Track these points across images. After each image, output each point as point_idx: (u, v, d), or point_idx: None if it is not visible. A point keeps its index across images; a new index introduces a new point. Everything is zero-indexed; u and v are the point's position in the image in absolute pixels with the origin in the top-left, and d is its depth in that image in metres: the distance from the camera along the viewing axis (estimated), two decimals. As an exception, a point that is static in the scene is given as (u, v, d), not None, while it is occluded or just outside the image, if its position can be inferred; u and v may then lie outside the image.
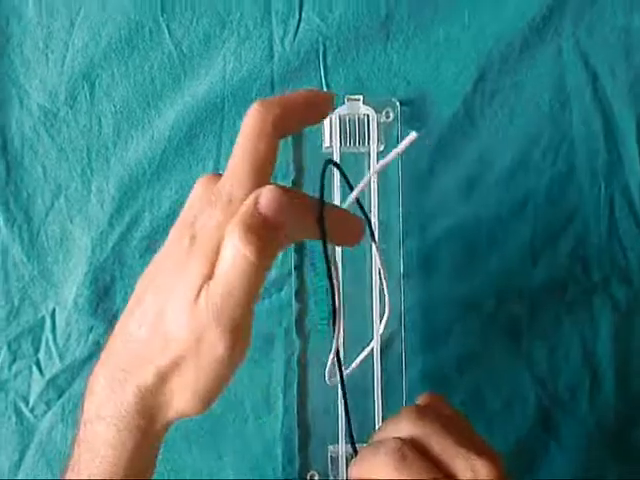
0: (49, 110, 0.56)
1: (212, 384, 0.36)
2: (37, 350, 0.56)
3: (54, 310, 0.56)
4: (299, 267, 0.55)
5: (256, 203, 0.34)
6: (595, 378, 0.55)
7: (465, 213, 0.56)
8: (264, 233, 0.34)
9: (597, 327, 0.56)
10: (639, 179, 0.55)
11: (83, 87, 0.56)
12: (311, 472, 0.55)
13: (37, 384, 0.55)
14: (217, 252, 0.35)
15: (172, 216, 0.56)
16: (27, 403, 0.55)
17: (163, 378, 0.36)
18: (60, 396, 0.55)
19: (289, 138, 0.56)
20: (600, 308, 0.56)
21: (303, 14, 0.56)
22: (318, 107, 0.39)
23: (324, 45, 0.56)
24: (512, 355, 0.56)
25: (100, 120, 0.56)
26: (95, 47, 0.56)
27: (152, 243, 0.56)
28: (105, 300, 0.56)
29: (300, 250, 0.55)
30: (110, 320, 0.55)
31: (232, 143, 0.55)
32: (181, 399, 0.37)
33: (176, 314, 0.35)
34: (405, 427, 0.41)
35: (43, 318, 0.56)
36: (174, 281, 0.36)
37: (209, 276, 0.35)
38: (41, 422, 0.55)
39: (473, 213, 0.56)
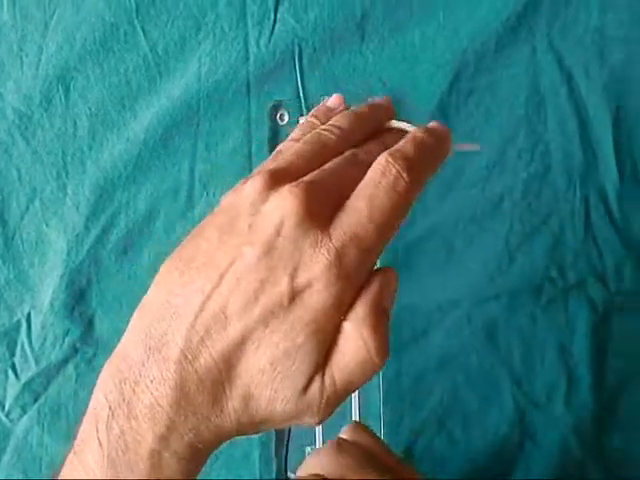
0: (24, 113, 0.56)
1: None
2: (13, 354, 0.55)
3: (30, 313, 0.55)
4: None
5: (382, 291, 0.32)
6: (571, 379, 0.55)
7: (441, 213, 0.56)
8: (386, 331, 0.32)
9: (573, 327, 0.56)
10: (614, 179, 0.55)
11: (58, 90, 0.56)
12: (288, 474, 0.55)
13: (13, 388, 0.55)
14: (332, 335, 0.31)
15: (148, 218, 0.56)
16: (3, 407, 0.55)
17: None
18: (36, 400, 0.55)
19: (265, 140, 0.56)
20: (576, 308, 0.56)
21: (278, 15, 0.56)
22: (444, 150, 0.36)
23: (299, 46, 0.56)
24: (489, 355, 0.56)
25: (75, 123, 0.56)
26: (70, 50, 0.56)
27: (128, 245, 0.56)
28: (81, 303, 0.55)
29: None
30: (86, 323, 0.55)
31: (207, 145, 0.56)
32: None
33: (280, 402, 0.31)
34: (325, 462, 0.41)
35: (19, 321, 0.56)
36: (277, 355, 0.31)
37: (323, 365, 0.31)
38: (17, 426, 0.55)
39: (449, 213, 0.56)
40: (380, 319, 0.31)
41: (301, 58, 0.56)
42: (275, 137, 0.56)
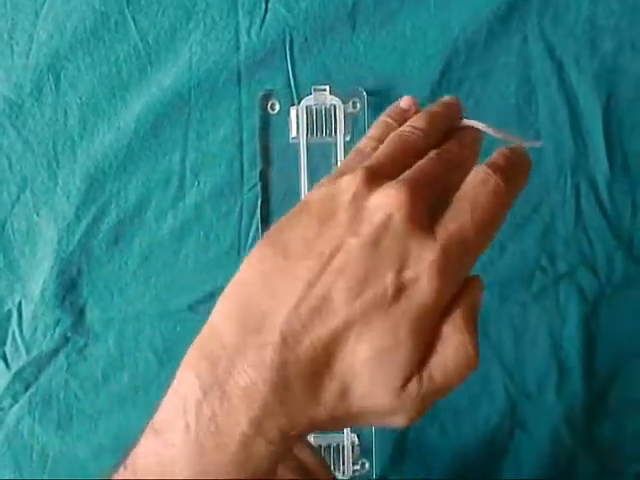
0: (14, 102, 0.56)
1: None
2: (3, 343, 0.55)
3: (20, 303, 0.55)
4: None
5: (478, 299, 0.33)
6: (562, 368, 0.55)
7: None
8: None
9: (564, 316, 0.55)
10: (605, 169, 0.55)
11: (48, 79, 0.56)
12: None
13: (3, 377, 0.55)
14: (431, 336, 0.32)
15: (138, 207, 0.55)
16: (-7, 396, 0.55)
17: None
18: (27, 389, 0.55)
19: (256, 129, 0.56)
20: (567, 298, 0.56)
21: (269, 4, 0.56)
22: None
23: (290, 35, 0.56)
24: (480, 344, 0.55)
25: (66, 112, 0.56)
26: (60, 39, 0.56)
27: (119, 235, 0.56)
28: (72, 293, 0.55)
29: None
30: (77, 313, 0.55)
31: (198, 134, 0.56)
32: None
33: (376, 397, 0.31)
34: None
35: (9, 311, 0.55)
36: (378, 349, 0.31)
37: (422, 364, 0.32)
38: (8, 415, 0.55)
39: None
40: (477, 325, 0.32)
41: (292, 47, 0.56)
42: (266, 126, 0.56)
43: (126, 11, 0.56)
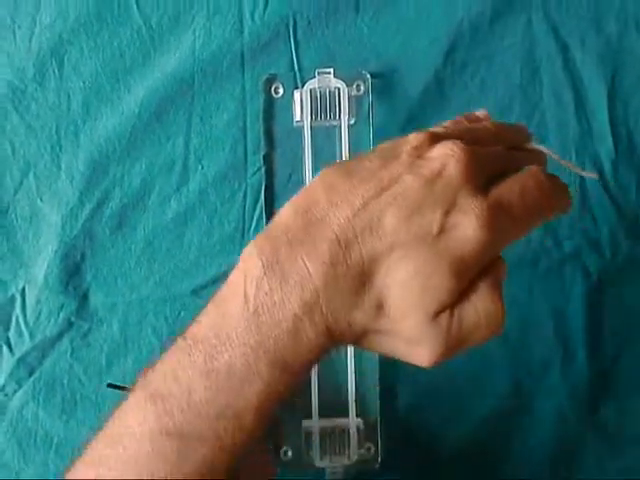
0: (17, 87, 0.56)
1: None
2: (7, 328, 0.55)
3: (24, 288, 0.55)
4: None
5: (503, 273, 0.37)
6: (567, 349, 0.55)
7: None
8: None
9: (569, 298, 0.55)
10: (609, 149, 0.55)
11: (51, 63, 0.56)
12: (284, 448, 0.54)
13: (7, 363, 0.55)
14: (466, 284, 0.35)
15: (142, 192, 0.55)
16: (-3, 382, 0.55)
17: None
18: (31, 374, 0.55)
19: (260, 113, 0.55)
20: (572, 279, 0.55)
21: (273, -13, 0.56)
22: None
23: (294, 19, 0.56)
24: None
25: (69, 96, 0.56)
26: (63, 23, 0.56)
27: (123, 220, 0.55)
28: (75, 277, 0.55)
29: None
30: (81, 297, 0.55)
31: (202, 118, 0.56)
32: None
33: (408, 319, 0.34)
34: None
35: (13, 296, 0.55)
36: (419, 274, 0.34)
37: (455, 305, 0.34)
38: (12, 401, 0.55)
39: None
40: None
41: (295, 31, 0.56)
42: (270, 110, 0.56)
43: (129, -5, 0.56)
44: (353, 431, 0.54)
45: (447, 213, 0.34)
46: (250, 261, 0.35)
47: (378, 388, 0.54)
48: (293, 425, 0.54)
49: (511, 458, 0.55)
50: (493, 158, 0.37)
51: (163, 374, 0.35)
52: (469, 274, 0.34)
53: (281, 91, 0.56)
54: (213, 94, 0.56)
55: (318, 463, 0.53)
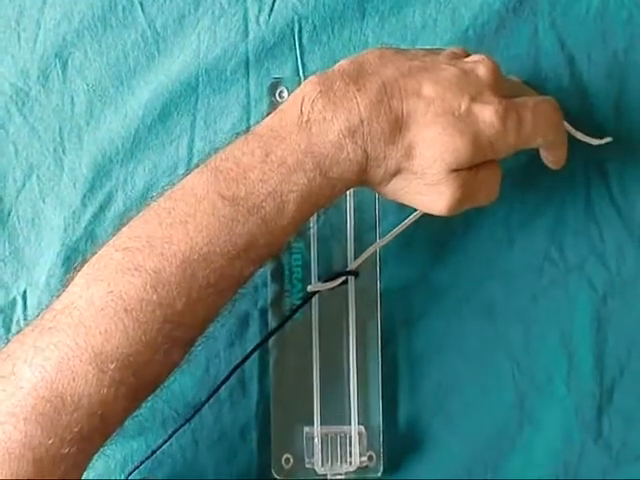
0: (21, 89, 0.55)
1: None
2: (8, 331, 0.55)
3: (25, 291, 0.55)
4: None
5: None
6: (572, 361, 0.55)
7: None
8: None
9: (574, 309, 0.55)
10: (616, 160, 0.55)
11: (55, 65, 0.55)
12: (286, 455, 0.54)
13: (8, 365, 0.55)
14: (480, 160, 0.43)
15: (146, 195, 0.55)
16: (-3, 385, 0.55)
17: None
18: (31, 378, 0.55)
19: (264, 117, 0.55)
20: (576, 290, 0.55)
21: (278, -8, 0.56)
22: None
23: (299, 24, 0.55)
24: (488, 337, 0.55)
25: (73, 99, 0.55)
26: (68, 25, 0.55)
27: (125, 223, 0.55)
28: (77, 281, 0.55)
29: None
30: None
31: (206, 122, 0.56)
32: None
33: (432, 164, 0.42)
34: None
35: (14, 299, 0.55)
36: (447, 126, 0.42)
37: (472, 167, 0.43)
38: (12, 404, 0.55)
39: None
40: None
41: (301, 35, 0.56)
42: (274, 105, 0.55)
43: (134, -3, 0.55)
44: (355, 439, 0.53)
45: (473, 100, 0.42)
46: (309, 86, 0.42)
47: (381, 396, 0.54)
48: (295, 432, 0.54)
49: (514, 470, 0.55)
50: (511, 85, 0.48)
51: (225, 157, 0.42)
52: (482, 152, 0.42)
53: (286, 95, 0.55)
54: (217, 98, 0.56)
55: (320, 470, 0.53)
